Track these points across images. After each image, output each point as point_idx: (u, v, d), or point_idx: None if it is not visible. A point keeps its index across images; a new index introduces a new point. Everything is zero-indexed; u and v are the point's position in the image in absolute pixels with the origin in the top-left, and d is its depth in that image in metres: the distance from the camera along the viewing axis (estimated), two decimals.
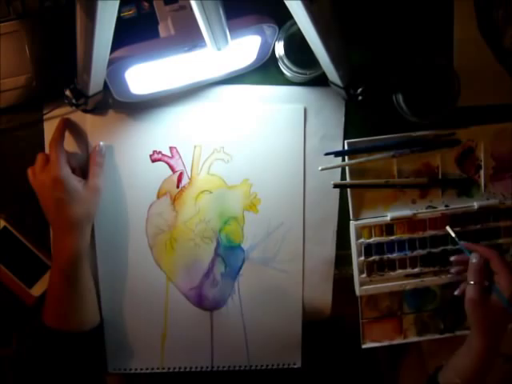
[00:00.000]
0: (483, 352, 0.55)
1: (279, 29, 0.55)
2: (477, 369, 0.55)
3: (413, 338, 0.66)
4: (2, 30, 0.57)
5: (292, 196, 0.65)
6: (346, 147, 0.63)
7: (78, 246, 0.57)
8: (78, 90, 0.54)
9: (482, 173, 0.65)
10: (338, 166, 0.64)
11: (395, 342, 0.66)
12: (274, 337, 0.65)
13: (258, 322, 0.63)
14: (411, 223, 0.65)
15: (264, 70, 0.63)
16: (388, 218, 0.64)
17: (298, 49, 0.57)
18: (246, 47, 0.55)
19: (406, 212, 0.64)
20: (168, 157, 0.63)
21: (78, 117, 0.61)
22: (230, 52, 0.51)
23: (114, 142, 0.62)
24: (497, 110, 0.65)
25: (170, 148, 0.63)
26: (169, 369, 0.65)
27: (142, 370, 0.65)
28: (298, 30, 0.48)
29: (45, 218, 0.59)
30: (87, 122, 0.62)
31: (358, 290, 0.65)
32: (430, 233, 0.65)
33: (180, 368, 0.65)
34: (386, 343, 0.66)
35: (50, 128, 0.61)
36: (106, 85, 0.53)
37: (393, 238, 0.65)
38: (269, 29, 0.53)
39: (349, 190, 0.64)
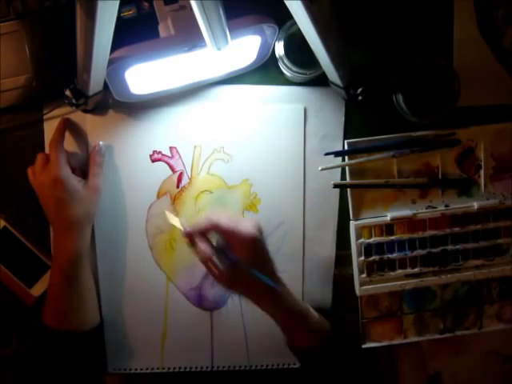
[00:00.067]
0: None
1: (279, 29, 0.55)
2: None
3: (413, 338, 0.66)
4: (2, 29, 0.56)
5: (292, 196, 0.65)
6: (346, 147, 0.63)
7: (78, 246, 0.57)
8: (78, 90, 0.54)
9: (482, 173, 0.65)
10: (337, 166, 0.64)
11: (395, 342, 0.66)
12: (273, 337, 0.65)
13: (258, 322, 0.63)
14: (411, 223, 0.65)
15: (264, 70, 0.63)
16: (388, 218, 0.64)
17: (298, 49, 0.57)
18: (245, 47, 0.55)
19: (406, 212, 0.64)
20: (168, 157, 0.63)
21: (77, 117, 0.61)
22: (229, 52, 0.51)
23: (113, 142, 0.62)
24: (497, 110, 0.65)
25: (170, 148, 0.63)
26: (169, 369, 0.65)
27: (141, 369, 0.65)
28: (298, 30, 0.48)
29: (45, 218, 0.59)
30: (87, 121, 0.62)
31: (358, 290, 0.65)
32: (429, 233, 0.65)
33: (180, 368, 0.65)
34: (385, 343, 0.66)
35: (50, 128, 0.61)
36: (106, 85, 0.53)
37: (393, 237, 0.65)
38: (269, 29, 0.53)
39: (349, 190, 0.64)
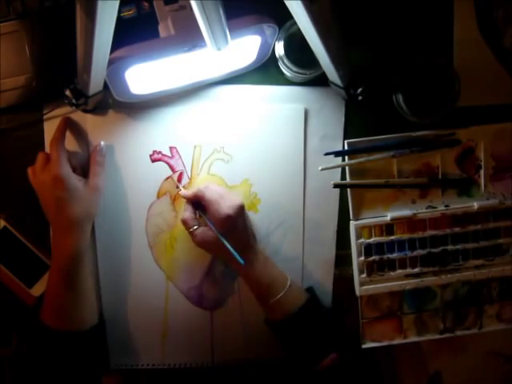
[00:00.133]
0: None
1: (279, 29, 0.55)
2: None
3: (413, 338, 0.66)
4: (2, 30, 0.57)
5: (292, 196, 0.65)
6: (346, 147, 0.63)
7: (77, 246, 0.57)
8: (78, 90, 0.54)
9: (482, 173, 0.65)
10: (337, 166, 0.64)
11: (395, 342, 0.66)
12: (274, 337, 0.65)
13: (259, 322, 0.63)
14: (411, 223, 0.65)
15: (264, 70, 0.63)
16: (388, 218, 0.64)
17: (298, 49, 0.57)
18: (245, 47, 0.55)
19: (406, 212, 0.64)
20: (168, 157, 0.63)
21: (78, 117, 0.61)
22: (229, 52, 0.51)
23: (114, 142, 0.62)
24: (497, 110, 0.65)
25: (170, 148, 0.63)
26: (169, 365, 0.65)
27: (143, 365, 0.65)
28: (298, 30, 0.48)
29: (45, 218, 0.59)
30: (87, 121, 0.62)
31: (358, 290, 0.65)
32: (429, 233, 0.65)
33: (180, 364, 0.65)
34: (385, 343, 0.66)
35: (50, 128, 0.61)
36: (106, 85, 0.53)
37: (393, 237, 0.65)
38: (269, 29, 0.53)
39: (349, 190, 0.64)
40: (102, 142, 0.61)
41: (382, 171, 0.64)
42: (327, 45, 0.47)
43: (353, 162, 0.63)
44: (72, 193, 0.56)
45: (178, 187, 0.63)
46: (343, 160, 0.64)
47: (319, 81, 0.61)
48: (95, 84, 0.53)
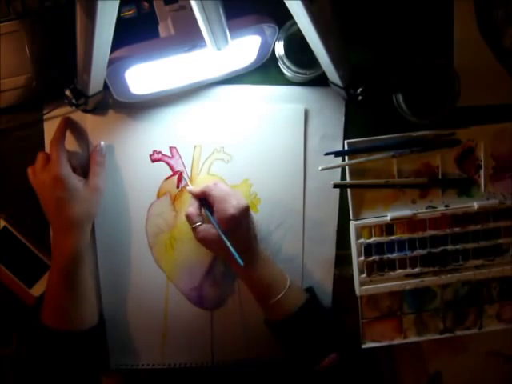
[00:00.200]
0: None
1: (279, 29, 0.55)
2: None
3: (413, 338, 0.66)
4: (2, 30, 0.57)
5: (292, 196, 0.65)
6: (346, 147, 0.63)
7: (77, 246, 0.57)
8: (78, 90, 0.54)
9: (482, 173, 0.65)
10: (337, 166, 0.64)
11: (395, 342, 0.66)
12: (274, 337, 0.65)
13: (259, 323, 0.63)
14: (411, 223, 0.65)
15: (264, 70, 0.63)
16: (388, 218, 0.64)
17: (298, 49, 0.57)
18: (245, 47, 0.55)
19: (406, 212, 0.64)
20: (168, 157, 0.63)
21: (78, 117, 0.61)
22: (229, 52, 0.51)
23: (114, 142, 0.62)
24: (497, 110, 0.65)
25: (170, 148, 0.63)
26: (169, 365, 0.65)
27: (143, 365, 0.65)
28: (298, 30, 0.48)
29: (45, 218, 0.59)
30: (87, 121, 0.62)
31: (358, 290, 0.65)
32: (429, 233, 0.65)
33: (180, 364, 0.65)
34: (385, 343, 0.66)
35: (50, 128, 0.61)
36: (106, 85, 0.53)
37: (393, 237, 0.65)
38: (269, 29, 0.53)
39: (349, 190, 0.64)
40: (102, 142, 0.61)
41: (382, 171, 0.64)
42: (327, 45, 0.47)
43: (353, 162, 0.63)
44: (72, 193, 0.56)
45: (184, 184, 0.63)
46: (343, 160, 0.64)
47: (319, 81, 0.61)
48: (95, 84, 0.53)
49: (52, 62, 0.58)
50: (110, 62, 0.47)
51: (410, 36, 0.63)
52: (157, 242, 0.64)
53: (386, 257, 0.65)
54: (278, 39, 0.57)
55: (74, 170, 0.58)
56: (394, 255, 0.65)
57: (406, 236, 0.65)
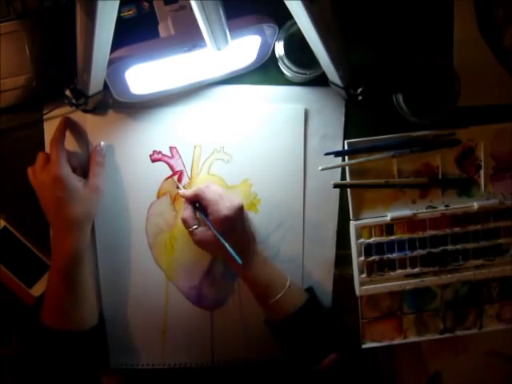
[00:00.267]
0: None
1: (279, 29, 0.55)
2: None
3: (413, 338, 0.66)
4: (2, 30, 0.56)
5: (292, 196, 0.65)
6: (346, 147, 0.63)
7: (77, 246, 0.57)
8: (78, 90, 0.54)
9: (482, 173, 0.65)
10: (337, 166, 0.64)
11: (395, 342, 0.66)
12: (274, 337, 0.65)
13: (259, 322, 0.63)
14: (411, 223, 0.65)
15: (264, 70, 0.63)
16: (388, 218, 0.64)
17: (298, 49, 0.57)
18: (245, 47, 0.55)
19: (406, 212, 0.64)
20: (168, 157, 0.63)
21: (78, 117, 0.61)
22: (229, 52, 0.51)
23: (114, 142, 0.62)
24: (497, 110, 0.65)
25: (170, 148, 0.63)
26: (169, 365, 0.65)
27: (143, 365, 0.65)
28: (298, 30, 0.48)
29: (45, 218, 0.59)
30: (87, 121, 0.62)
31: (358, 290, 0.65)
32: (429, 233, 0.65)
33: (180, 364, 0.65)
34: (385, 343, 0.66)
35: (50, 128, 0.61)
36: (106, 85, 0.53)
37: (393, 237, 0.65)
38: (269, 29, 0.53)
39: (349, 190, 0.64)
40: (102, 142, 0.61)
41: (382, 171, 0.64)
42: (327, 45, 0.47)
43: (353, 162, 0.63)
44: (72, 193, 0.56)
45: (178, 187, 0.63)
46: (343, 160, 0.64)
47: (319, 81, 0.61)
48: (95, 84, 0.53)
49: (52, 62, 0.58)
50: (110, 62, 0.47)
51: (410, 36, 0.63)
52: (157, 242, 0.64)
53: (385, 257, 0.65)
54: (278, 39, 0.57)
55: (74, 170, 0.58)
56: (394, 255, 0.65)
57: (406, 236, 0.65)
